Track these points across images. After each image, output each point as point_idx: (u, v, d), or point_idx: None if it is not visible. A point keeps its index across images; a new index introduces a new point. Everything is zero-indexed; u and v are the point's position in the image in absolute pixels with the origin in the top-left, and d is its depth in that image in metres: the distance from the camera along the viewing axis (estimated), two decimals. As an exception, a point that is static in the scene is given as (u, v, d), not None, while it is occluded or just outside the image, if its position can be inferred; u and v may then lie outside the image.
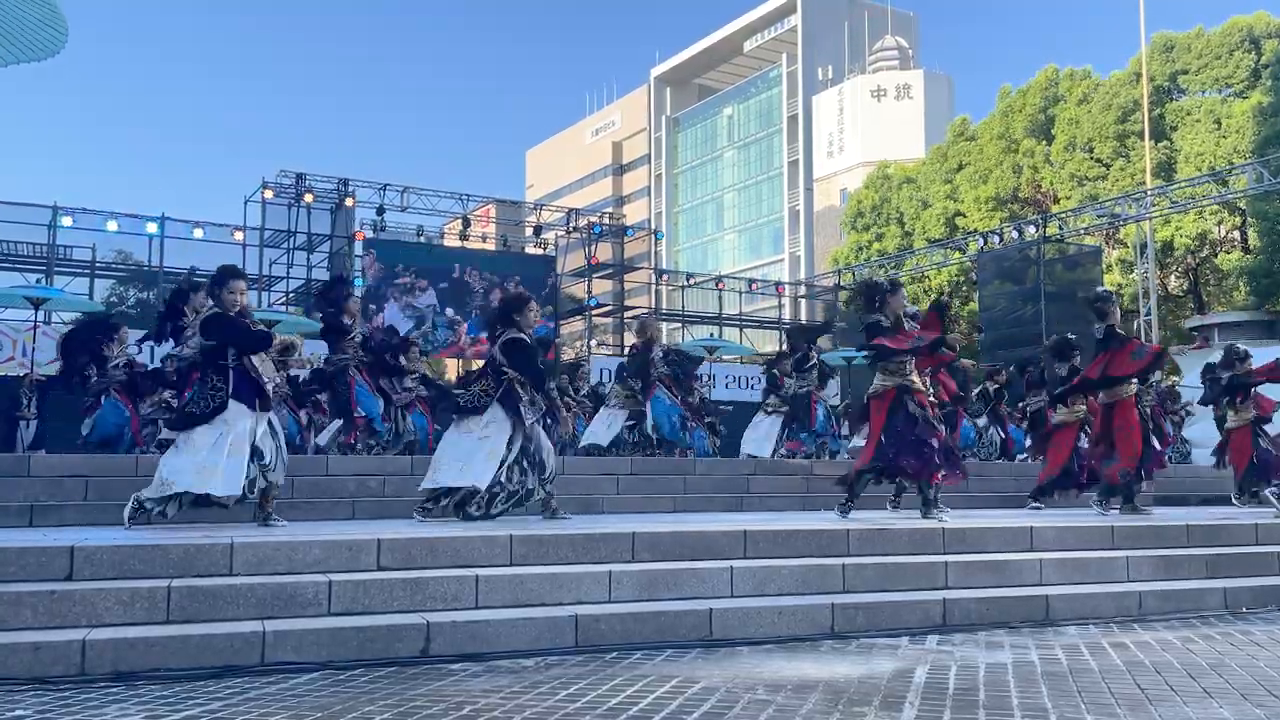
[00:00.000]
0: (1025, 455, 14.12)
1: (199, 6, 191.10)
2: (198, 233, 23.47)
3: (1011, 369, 15.64)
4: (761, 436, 13.28)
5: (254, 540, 4.97)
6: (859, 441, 13.60)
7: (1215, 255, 34.78)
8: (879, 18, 74.86)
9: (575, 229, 29.32)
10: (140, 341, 12.93)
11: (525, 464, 7.10)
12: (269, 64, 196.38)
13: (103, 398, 10.65)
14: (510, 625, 4.61)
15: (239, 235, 24.13)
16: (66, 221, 22.35)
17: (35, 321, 16.37)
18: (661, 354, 12.58)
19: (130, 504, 6.11)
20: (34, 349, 15.43)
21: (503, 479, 7.01)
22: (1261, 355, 12.69)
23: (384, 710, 3.49)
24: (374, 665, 4.25)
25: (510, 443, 7.05)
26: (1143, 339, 28.71)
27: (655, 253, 40.70)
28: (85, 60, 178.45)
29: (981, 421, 14.69)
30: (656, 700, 3.64)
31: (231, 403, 6.15)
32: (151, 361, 12.82)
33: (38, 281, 21.12)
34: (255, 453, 6.24)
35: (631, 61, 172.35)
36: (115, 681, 3.91)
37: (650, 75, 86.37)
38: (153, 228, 23.18)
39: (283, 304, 25.33)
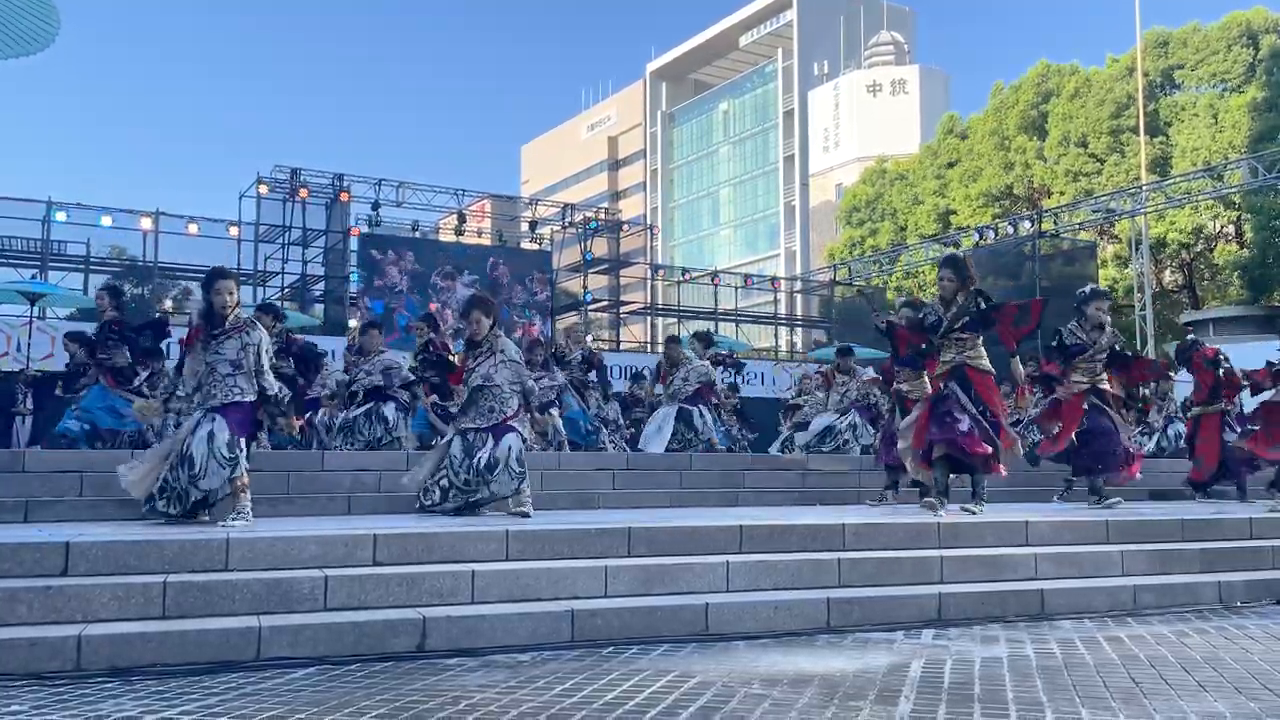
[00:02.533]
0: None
1: (199, 7, 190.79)
2: (192, 228, 23.42)
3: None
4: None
5: (249, 536, 4.97)
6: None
7: (1210, 250, 34.84)
8: (875, 13, 74.80)
9: (571, 224, 29.30)
10: None
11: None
12: (267, 64, 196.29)
13: None
14: (506, 620, 4.61)
15: (234, 231, 24.09)
16: (61, 217, 22.30)
17: (30, 317, 16.34)
18: (581, 356, 13.04)
19: None
20: (29, 344, 15.41)
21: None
22: (1256, 350, 12.71)
23: (380, 705, 3.49)
24: (370, 660, 4.25)
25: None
26: (1137, 334, 28.80)
27: (651, 248, 40.63)
28: (84, 60, 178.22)
29: None
30: (652, 695, 3.65)
31: None
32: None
33: (33, 277, 21.09)
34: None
35: (627, 57, 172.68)
36: (111, 677, 3.91)
37: (646, 71, 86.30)
38: (147, 223, 23.13)
39: (278, 299, 25.30)
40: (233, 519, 5.98)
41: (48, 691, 3.69)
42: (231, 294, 6.42)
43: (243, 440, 6.24)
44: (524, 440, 7.42)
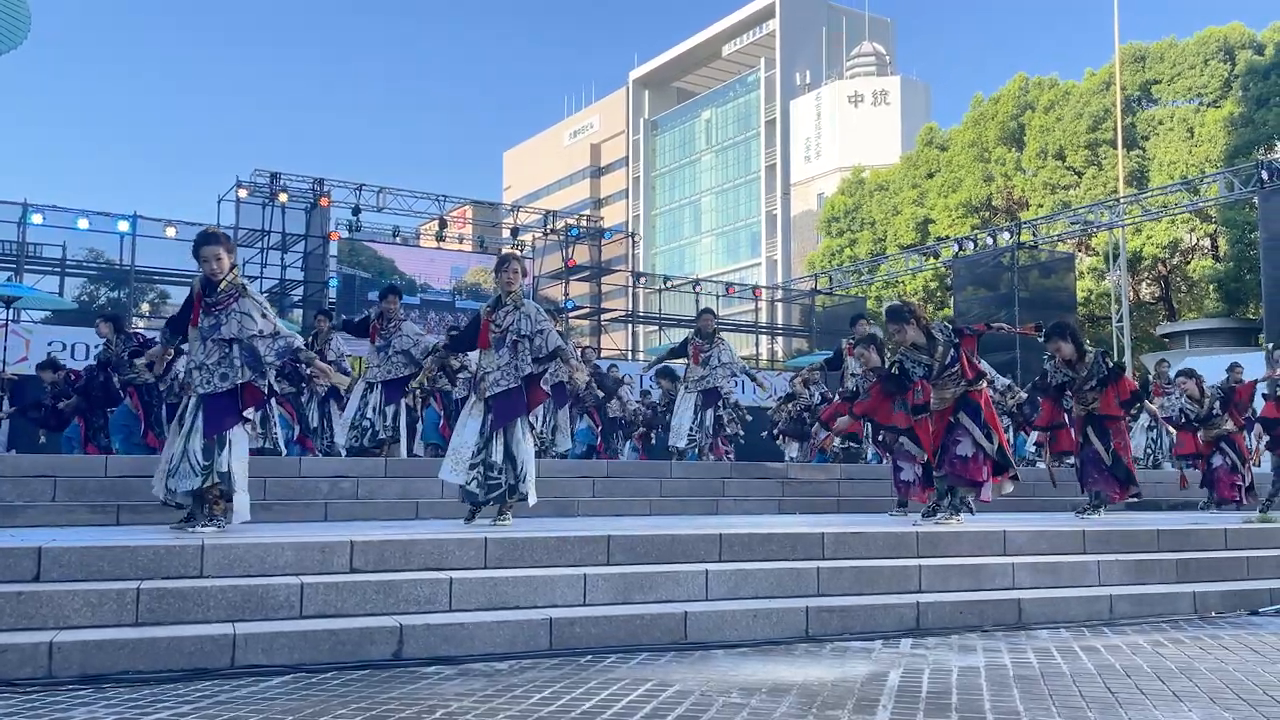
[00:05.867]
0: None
1: (178, 10, 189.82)
2: (170, 231, 23.28)
3: None
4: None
5: (224, 542, 4.92)
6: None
7: (1186, 263, 35.16)
8: (856, 23, 75.29)
9: (552, 231, 29.29)
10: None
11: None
12: (246, 68, 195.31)
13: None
14: (484, 628, 4.59)
15: (212, 234, 23.93)
16: (37, 219, 22.13)
17: (5, 320, 16.18)
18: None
19: None
20: (5, 347, 15.26)
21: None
22: (1231, 361, 12.84)
23: (356, 713, 3.46)
24: (346, 668, 4.22)
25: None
26: (1114, 346, 29.00)
27: (632, 255, 40.64)
28: (61, 63, 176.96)
29: None
30: (631, 703, 3.63)
31: None
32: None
33: (8, 279, 20.91)
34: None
35: (610, 64, 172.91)
36: (83, 684, 3.86)
37: (629, 78, 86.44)
38: (124, 226, 22.97)
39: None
40: (204, 525, 5.84)
41: (18, 699, 3.65)
42: (220, 259, 5.92)
43: (227, 433, 5.97)
44: (530, 428, 7.13)
